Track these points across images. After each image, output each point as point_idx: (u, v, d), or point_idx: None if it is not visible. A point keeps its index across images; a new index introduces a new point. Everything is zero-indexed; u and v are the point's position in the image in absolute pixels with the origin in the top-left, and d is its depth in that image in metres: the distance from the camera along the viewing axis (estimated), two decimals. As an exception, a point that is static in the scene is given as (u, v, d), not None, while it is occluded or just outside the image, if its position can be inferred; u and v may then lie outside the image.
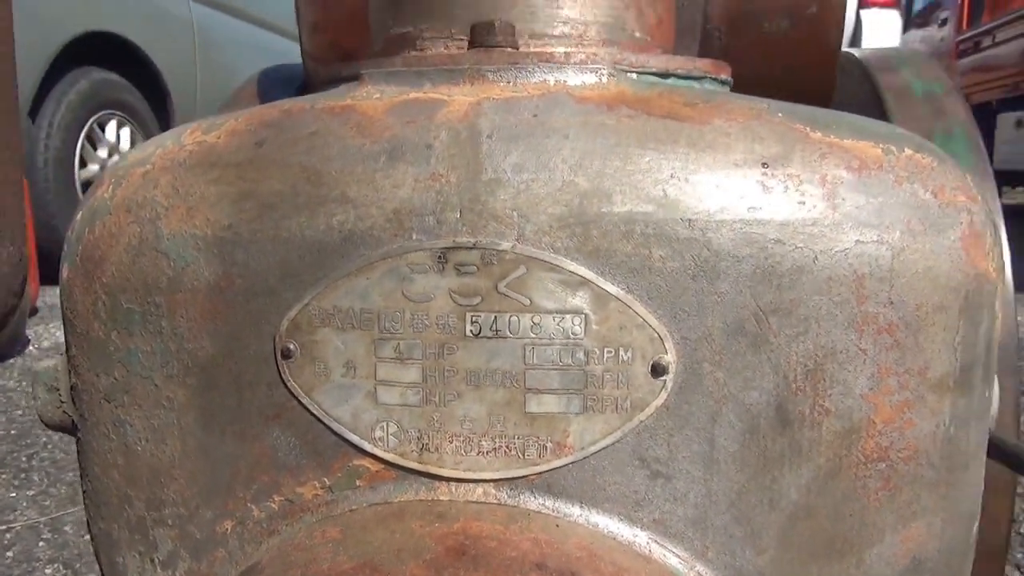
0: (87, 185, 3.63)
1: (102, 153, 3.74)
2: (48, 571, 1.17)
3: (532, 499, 0.23)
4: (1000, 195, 3.32)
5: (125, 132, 3.85)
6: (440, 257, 0.23)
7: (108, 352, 0.27)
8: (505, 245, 0.23)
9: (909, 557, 0.24)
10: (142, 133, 3.93)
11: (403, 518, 0.23)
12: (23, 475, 1.49)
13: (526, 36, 0.28)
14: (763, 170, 0.23)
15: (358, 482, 0.24)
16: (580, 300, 0.23)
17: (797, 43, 0.50)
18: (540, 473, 0.23)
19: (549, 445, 0.23)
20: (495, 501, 0.23)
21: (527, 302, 0.23)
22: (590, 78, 0.25)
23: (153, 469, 0.27)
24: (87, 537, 1.10)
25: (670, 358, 0.23)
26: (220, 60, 4.43)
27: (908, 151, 0.24)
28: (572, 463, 0.23)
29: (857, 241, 0.23)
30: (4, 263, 0.28)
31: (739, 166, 0.23)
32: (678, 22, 0.49)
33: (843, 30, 0.52)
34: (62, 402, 0.29)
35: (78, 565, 1.17)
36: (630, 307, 0.23)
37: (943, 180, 0.24)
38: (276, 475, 0.25)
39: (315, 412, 0.24)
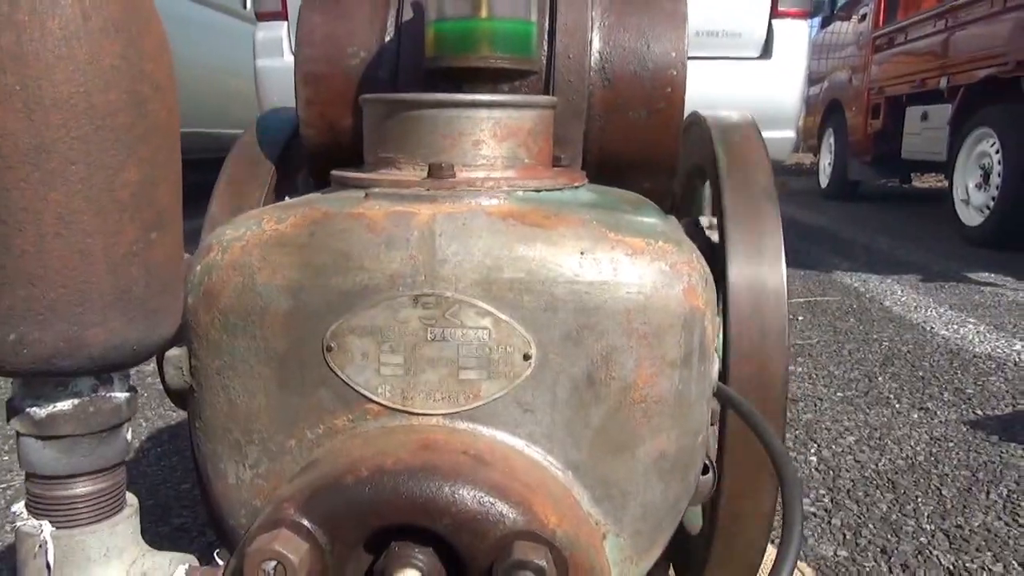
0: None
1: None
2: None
3: (461, 424, 0.45)
4: (909, 181, 3.74)
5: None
6: (415, 299, 0.44)
7: (220, 347, 0.48)
8: (449, 293, 0.44)
9: (659, 453, 0.47)
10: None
11: (394, 432, 0.44)
12: (11, 442, 1.64)
13: (460, 166, 0.50)
14: (581, 256, 0.45)
15: (369, 417, 0.46)
16: (487, 321, 0.44)
17: (651, 127, 0.73)
18: (466, 411, 0.45)
19: (470, 396, 0.45)
20: (443, 425, 0.45)
21: (459, 323, 0.44)
22: (494, 200, 0.47)
23: (247, 413, 0.48)
24: None
25: (533, 351, 0.45)
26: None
27: (660, 242, 0.47)
28: (482, 405, 0.45)
29: (627, 292, 0.45)
30: (167, 256, 0.42)
31: (569, 253, 0.45)
32: (570, 113, 0.71)
33: (683, 118, 0.74)
34: (184, 375, 0.50)
35: None
36: (513, 325, 0.44)
37: (676, 258, 0.46)
38: (321, 415, 0.47)
39: (345, 379, 0.46)
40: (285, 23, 2.99)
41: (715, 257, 0.74)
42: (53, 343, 0.37)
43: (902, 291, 3.09)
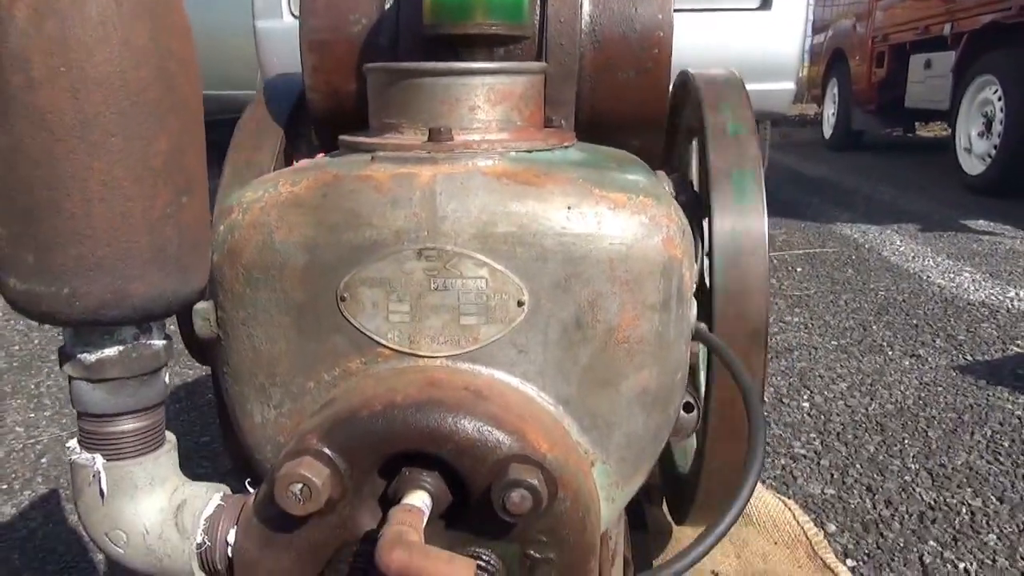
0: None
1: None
2: None
3: (463, 364, 0.50)
4: (914, 131, 3.76)
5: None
6: (418, 252, 0.49)
7: (243, 299, 0.53)
8: (449, 247, 0.49)
9: (641, 388, 0.52)
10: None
11: (403, 372, 0.49)
12: (36, 400, 1.71)
13: (458, 129, 0.54)
14: (568, 211, 0.49)
15: (380, 359, 0.51)
16: (484, 271, 0.49)
17: (639, 87, 0.76)
18: (467, 352, 0.50)
19: (470, 339, 0.50)
20: (446, 365, 0.50)
21: (459, 273, 0.49)
22: (489, 161, 0.51)
23: (270, 357, 0.53)
24: None
25: (526, 297, 0.50)
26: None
27: (641, 197, 0.51)
28: (481, 347, 0.50)
29: (610, 243, 0.50)
30: (196, 217, 0.46)
31: (557, 208, 0.49)
32: (562, 75, 0.75)
33: (670, 79, 0.78)
34: (212, 326, 0.55)
35: None
36: (507, 275, 0.49)
37: (655, 211, 0.51)
38: (337, 358, 0.52)
39: (357, 326, 0.51)
40: (284, -19, 2.98)
41: (701, 209, 0.78)
42: (100, 296, 0.42)
43: (901, 241, 3.12)
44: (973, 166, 4.27)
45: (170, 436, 0.51)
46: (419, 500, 0.45)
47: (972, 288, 2.43)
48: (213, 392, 0.61)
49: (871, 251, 2.95)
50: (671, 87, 0.82)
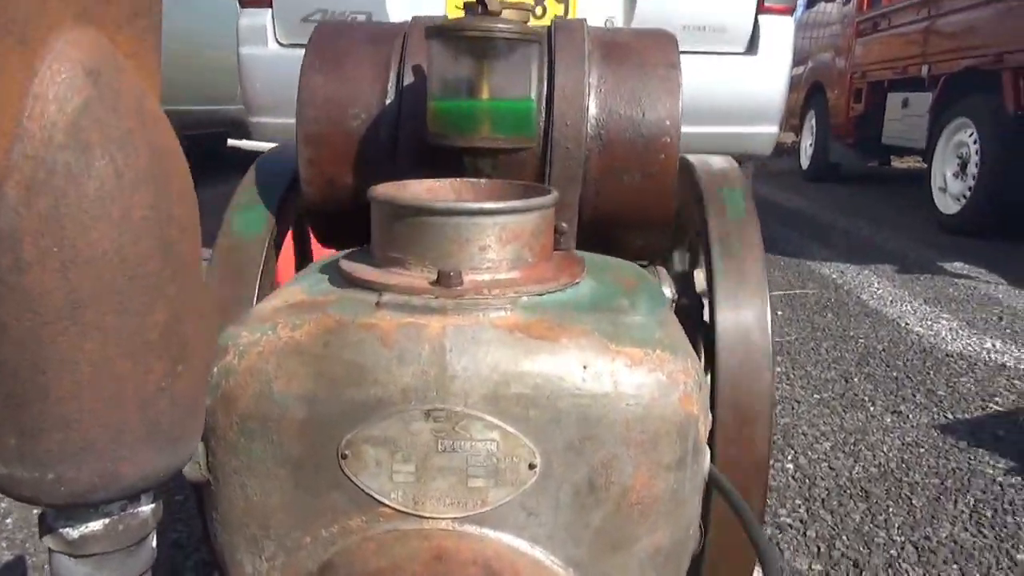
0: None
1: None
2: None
3: (470, 527, 0.48)
4: (889, 163, 3.81)
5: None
6: (426, 413, 0.47)
7: (237, 448, 0.50)
8: (459, 408, 0.47)
9: (654, 548, 0.50)
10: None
11: (407, 538, 0.47)
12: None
13: (467, 269, 0.52)
14: (583, 370, 0.47)
15: (381, 519, 0.48)
16: (495, 434, 0.47)
17: (645, 191, 0.75)
18: (474, 515, 0.48)
19: (478, 502, 0.48)
20: (452, 528, 0.48)
21: (468, 435, 0.47)
22: (501, 312, 0.49)
23: (264, 509, 0.50)
24: None
25: (537, 460, 0.47)
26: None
27: (658, 351, 0.49)
28: (490, 510, 0.48)
29: (627, 404, 0.48)
30: (193, 383, 0.46)
31: (572, 368, 0.47)
32: (567, 178, 0.73)
33: (676, 180, 0.77)
34: (201, 469, 0.52)
35: None
36: (519, 437, 0.47)
37: (672, 366, 0.49)
38: (336, 515, 0.49)
39: (359, 485, 0.48)
40: (269, 10, 2.95)
41: (702, 311, 0.77)
42: (88, 479, 0.39)
43: (879, 283, 3.15)
44: (948, 206, 4.34)
45: (156, 598, 0.48)
46: None
47: (949, 338, 2.45)
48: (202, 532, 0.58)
49: (850, 293, 2.97)
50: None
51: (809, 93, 7.25)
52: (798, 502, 1.46)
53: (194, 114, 5.22)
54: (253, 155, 3.17)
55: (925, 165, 4.62)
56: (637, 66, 0.76)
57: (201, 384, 0.44)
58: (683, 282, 0.83)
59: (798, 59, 7.91)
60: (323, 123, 0.75)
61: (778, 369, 2.15)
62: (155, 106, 0.41)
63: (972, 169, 4.10)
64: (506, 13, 0.69)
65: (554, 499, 0.48)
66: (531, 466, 0.47)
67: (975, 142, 4.08)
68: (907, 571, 1.25)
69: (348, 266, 0.56)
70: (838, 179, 6.68)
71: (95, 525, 0.43)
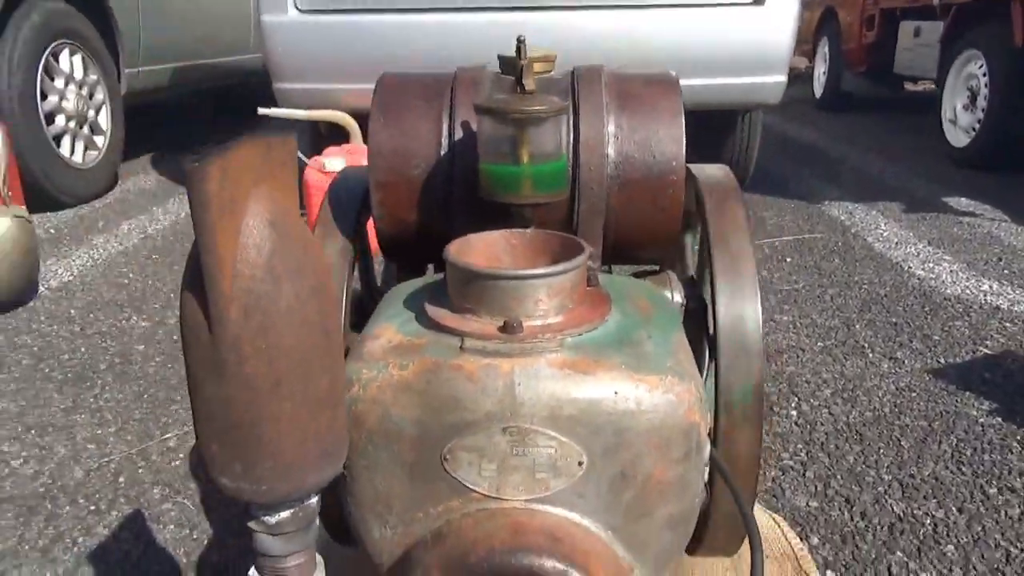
0: (50, 118, 3.78)
1: (59, 84, 3.83)
2: (156, 491, 1.58)
3: (538, 507, 0.67)
4: (902, 89, 3.96)
5: (77, 60, 3.91)
6: (503, 430, 0.66)
7: (366, 453, 0.69)
8: (526, 425, 0.65)
9: (668, 516, 0.70)
10: (93, 60, 4.04)
11: (495, 516, 0.66)
12: (98, 415, 1.88)
13: (524, 316, 0.70)
14: (615, 395, 0.66)
15: (473, 501, 0.68)
16: (553, 443, 0.66)
17: (657, 220, 0.92)
18: (539, 497, 0.67)
19: (543, 488, 0.67)
20: (524, 507, 0.67)
21: (534, 444, 0.66)
22: (553, 354, 0.67)
23: (387, 495, 0.70)
24: (175, 463, 1.59)
25: (584, 459, 0.66)
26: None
27: (669, 377, 0.67)
28: (551, 494, 0.67)
29: (647, 418, 0.66)
30: (341, 420, 0.66)
31: (607, 394, 0.66)
32: (592, 212, 0.90)
33: (682, 209, 0.93)
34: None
35: (177, 485, 1.59)
36: (571, 444, 0.66)
37: (680, 388, 0.67)
38: (440, 499, 0.69)
39: (458, 479, 0.67)
40: (289, -22, 3.06)
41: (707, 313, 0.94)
42: (286, 490, 0.58)
43: (885, 224, 3.28)
44: (958, 139, 4.41)
45: (319, 559, 0.68)
46: None
47: (949, 280, 2.61)
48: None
49: (856, 236, 3.11)
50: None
51: (822, 17, 7.16)
52: (799, 446, 1.66)
53: (211, 66, 5.31)
54: (281, 121, 3.28)
55: (938, 90, 4.65)
56: (647, 114, 0.92)
57: (345, 420, 0.62)
58: (690, 286, 1.01)
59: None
60: (390, 172, 0.92)
61: (786, 318, 2.32)
62: (305, 230, 0.59)
63: (981, 102, 4.16)
64: (536, 66, 0.85)
65: (596, 485, 0.67)
66: (580, 463, 0.66)
67: (984, 74, 4.13)
68: (892, 506, 1.45)
69: (433, 312, 0.74)
70: (851, 108, 6.69)
71: (285, 514, 0.62)
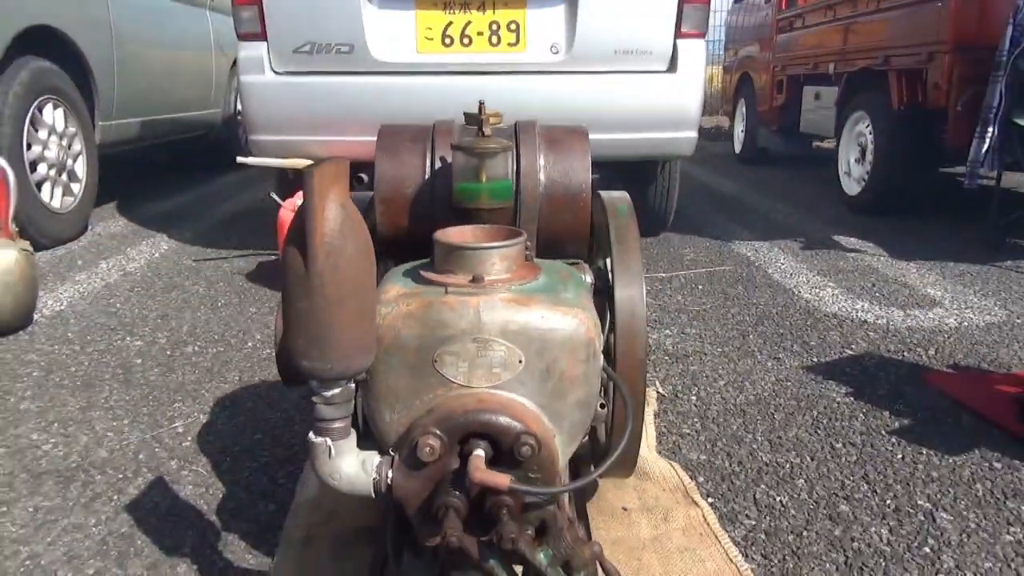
0: (33, 166, 4.09)
1: (42, 135, 4.18)
2: (172, 463, 1.89)
3: (494, 391, 1.07)
4: (811, 146, 4.69)
5: (59, 113, 4.27)
6: (473, 340, 1.05)
7: (382, 360, 1.08)
8: (487, 337, 1.06)
9: (577, 399, 1.10)
10: (73, 112, 4.39)
11: (466, 396, 1.06)
12: (111, 411, 2.19)
13: (484, 274, 1.10)
14: (541, 318, 1.06)
15: (452, 389, 1.07)
16: (503, 349, 1.06)
17: (572, 223, 1.34)
18: (495, 385, 1.07)
19: (496, 378, 1.07)
20: (485, 390, 1.07)
21: (492, 349, 1.06)
22: (504, 293, 1.08)
23: (396, 389, 1.09)
24: (185, 444, 1.96)
25: (523, 359, 1.07)
26: (134, 36, 4.85)
27: (575, 309, 1.08)
28: (502, 383, 1.07)
29: (561, 333, 1.07)
30: (372, 323, 1.06)
31: (537, 317, 1.06)
32: (530, 218, 1.32)
33: (590, 215, 1.36)
34: (364, 373, 1.09)
35: (190, 458, 1.91)
36: (514, 349, 1.06)
37: (582, 315, 1.08)
38: (432, 389, 1.08)
39: (444, 375, 1.07)
40: (264, 43, 3.47)
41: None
42: (343, 369, 0.97)
43: (784, 259, 3.80)
44: (851, 188, 5.03)
45: (352, 430, 1.06)
46: (480, 453, 1.01)
47: (830, 301, 3.11)
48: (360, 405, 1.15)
49: (759, 268, 3.62)
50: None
51: (740, 81, 7.87)
52: (695, 420, 2.08)
53: (174, 120, 5.66)
54: (260, 169, 3.70)
55: (836, 146, 5.30)
56: (566, 152, 1.35)
57: (376, 328, 1.02)
58: (598, 273, 1.43)
59: (729, 47, 8.55)
60: (391, 192, 1.33)
61: (694, 331, 2.77)
62: (357, 212, 0.99)
63: (869, 156, 4.78)
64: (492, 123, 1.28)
65: (530, 377, 1.07)
66: (520, 361, 1.06)
67: (870, 132, 4.77)
68: (761, 456, 1.88)
69: (425, 274, 1.14)
70: (767, 162, 7.36)
71: (336, 389, 1.00)
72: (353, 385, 1.03)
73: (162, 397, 2.25)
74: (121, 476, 1.82)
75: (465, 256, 1.11)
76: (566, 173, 1.34)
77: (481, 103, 1.23)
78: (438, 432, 1.02)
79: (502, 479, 0.98)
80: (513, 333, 1.06)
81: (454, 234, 1.17)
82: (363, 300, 0.97)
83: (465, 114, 1.35)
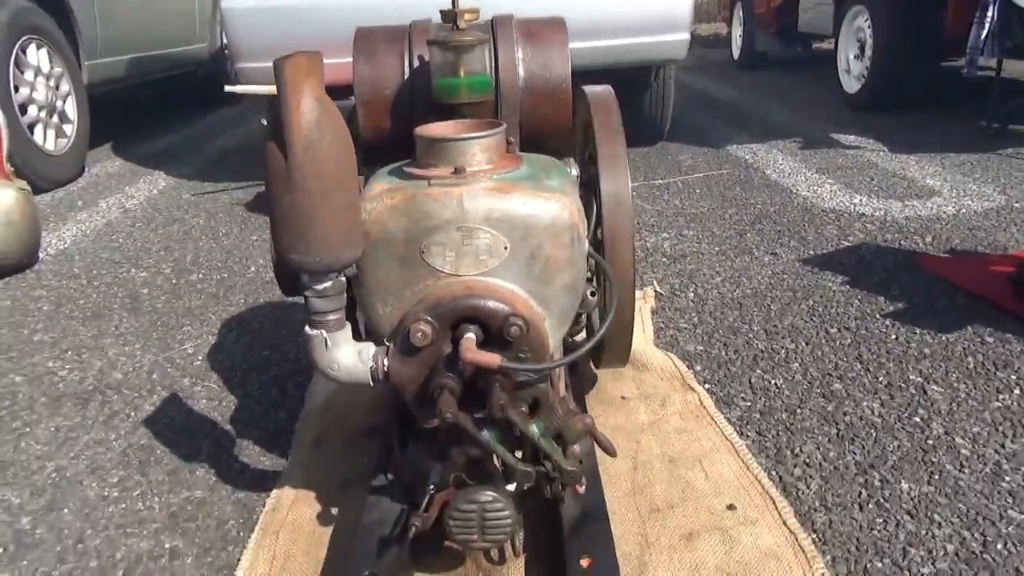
0: (24, 108, 4.06)
1: (29, 76, 4.14)
2: (185, 380, 1.95)
3: (481, 278, 1.10)
4: (810, 48, 4.64)
5: (43, 53, 4.23)
6: (457, 228, 1.08)
7: (370, 255, 1.10)
8: (471, 225, 1.08)
9: (564, 283, 1.12)
10: (58, 53, 4.34)
11: (455, 284, 1.09)
12: (122, 337, 2.23)
13: (467, 165, 1.12)
14: (524, 204, 1.08)
15: (441, 278, 1.10)
16: (488, 236, 1.08)
17: (553, 116, 1.34)
18: (482, 272, 1.10)
19: (483, 265, 1.09)
20: (473, 277, 1.10)
21: (477, 237, 1.08)
22: (485, 183, 1.09)
23: (386, 282, 1.11)
24: (196, 363, 1.88)
25: (508, 245, 1.09)
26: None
27: (557, 194, 1.10)
28: (489, 270, 1.10)
29: (544, 218, 1.09)
30: (359, 216, 1.08)
31: (520, 203, 1.08)
32: (511, 112, 1.33)
33: (571, 108, 1.36)
34: (353, 268, 1.12)
35: (202, 376, 1.97)
36: (499, 236, 1.08)
37: (565, 200, 1.10)
38: (420, 279, 1.10)
39: (431, 264, 1.09)
40: (245, -33, 3.39)
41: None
42: (330, 260, 0.99)
43: (783, 159, 3.78)
44: (851, 85, 4.94)
45: (346, 323, 1.09)
46: (471, 336, 1.04)
47: (828, 197, 3.10)
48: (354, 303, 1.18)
49: (756, 170, 3.60)
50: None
51: (736, -15, 7.65)
52: (692, 314, 2.12)
53: (161, 57, 5.58)
54: (250, 96, 3.65)
55: (835, 44, 5.19)
56: (544, 45, 1.34)
57: (362, 219, 1.04)
58: (584, 165, 1.44)
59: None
60: (370, 93, 1.33)
61: (691, 232, 2.79)
62: (332, 104, 0.99)
63: (868, 52, 4.69)
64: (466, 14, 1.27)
65: (516, 262, 1.09)
66: (505, 248, 1.08)
67: (869, 27, 4.66)
68: (757, 344, 1.92)
69: (409, 170, 1.15)
70: (767, 66, 7.22)
71: (327, 282, 1.03)
72: (344, 278, 1.06)
73: (170, 322, 2.30)
74: (136, 395, 1.88)
75: (446, 148, 1.12)
76: (545, 65, 1.33)
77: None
78: (429, 319, 1.05)
79: (492, 358, 1.02)
80: (497, 220, 1.08)
81: (435, 128, 1.18)
82: (345, 192, 0.99)
83: (441, 11, 1.33)
